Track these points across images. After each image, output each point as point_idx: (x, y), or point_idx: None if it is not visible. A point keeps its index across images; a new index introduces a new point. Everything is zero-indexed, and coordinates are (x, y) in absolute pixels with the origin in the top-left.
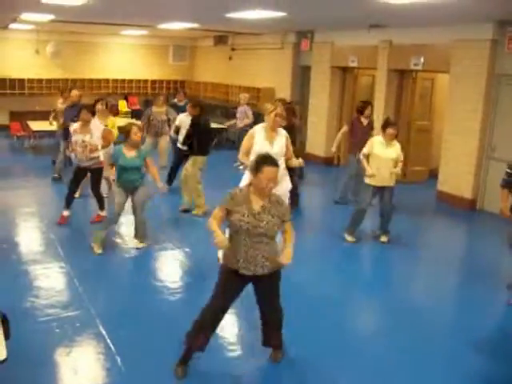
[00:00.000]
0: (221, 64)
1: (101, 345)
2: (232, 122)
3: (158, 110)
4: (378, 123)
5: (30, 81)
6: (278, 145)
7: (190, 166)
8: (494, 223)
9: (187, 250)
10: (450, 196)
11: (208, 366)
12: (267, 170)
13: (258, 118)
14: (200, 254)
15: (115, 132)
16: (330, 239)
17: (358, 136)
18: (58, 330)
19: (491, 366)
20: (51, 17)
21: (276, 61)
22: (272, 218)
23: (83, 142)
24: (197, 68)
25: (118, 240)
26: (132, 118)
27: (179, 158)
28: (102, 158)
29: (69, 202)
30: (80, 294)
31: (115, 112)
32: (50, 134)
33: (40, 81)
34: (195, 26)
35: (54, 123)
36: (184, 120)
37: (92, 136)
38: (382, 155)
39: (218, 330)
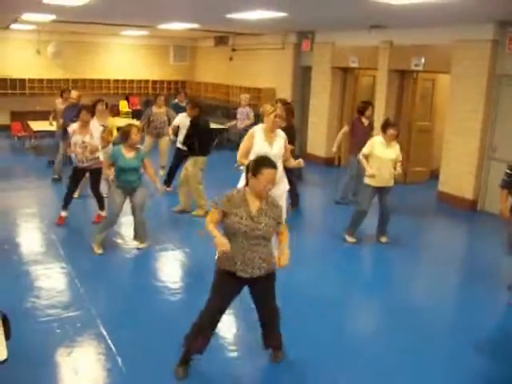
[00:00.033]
0: (221, 64)
1: (101, 345)
2: (233, 122)
3: (159, 111)
4: (378, 124)
5: (31, 81)
6: (278, 146)
7: (191, 167)
8: (494, 224)
9: (188, 250)
10: (451, 196)
11: (208, 366)
12: (266, 172)
13: (258, 119)
14: (200, 255)
15: (114, 132)
16: (331, 240)
17: (359, 136)
18: (58, 331)
19: (491, 366)
20: (52, 17)
21: (277, 61)
22: (269, 221)
23: (83, 142)
24: (197, 68)
25: (119, 240)
26: (133, 118)
27: (178, 159)
28: (101, 159)
29: (67, 202)
30: (81, 294)
31: (116, 112)
32: (51, 134)
33: (41, 81)
34: (196, 26)
35: (54, 123)
36: (183, 120)
37: (92, 137)
38: (383, 156)
39: (219, 331)
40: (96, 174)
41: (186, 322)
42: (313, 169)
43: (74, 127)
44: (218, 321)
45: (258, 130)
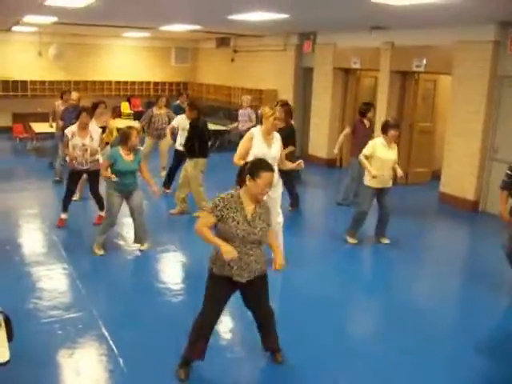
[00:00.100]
0: (223, 66)
1: (103, 346)
2: (234, 124)
3: (160, 112)
4: (379, 125)
5: (33, 83)
6: (276, 148)
7: (192, 169)
8: (496, 225)
9: (189, 251)
10: (453, 197)
11: (208, 367)
12: (265, 175)
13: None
14: (201, 256)
15: (114, 133)
16: (332, 241)
17: (360, 138)
18: (60, 332)
19: (492, 367)
20: (54, 19)
21: (278, 63)
22: (263, 224)
23: (83, 145)
24: (199, 70)
25: (121, 242)
26: (134, 120)
27: (178, 160)
28: (101, 161)
29: (66, 204)
30: (82, 295)
31: (117, 114)
32: (52, 136)
33: (43, 83)
34: (197, 28)
35: (54, 125)
36: (182, 122)
37: (92, 139)
38: (384, 157)
39: (219, 331)
40: (94, 175)
41: (187, 324)
42: (314, 170)
43: (73, 129)
44: (214, 326)
45: (257, 132)
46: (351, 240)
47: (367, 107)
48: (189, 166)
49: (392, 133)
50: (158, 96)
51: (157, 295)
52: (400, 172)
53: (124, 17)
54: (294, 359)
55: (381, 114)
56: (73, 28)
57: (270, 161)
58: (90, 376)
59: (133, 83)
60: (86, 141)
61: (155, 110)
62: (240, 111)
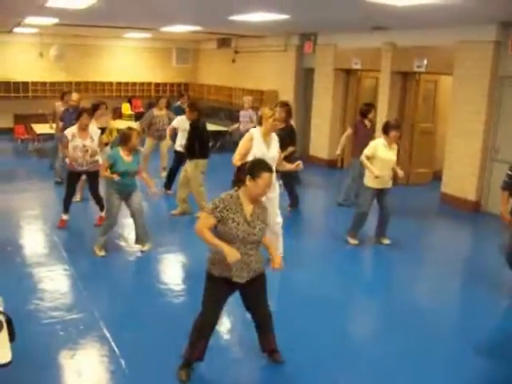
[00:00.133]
0: (224, 67)
1: (105, 347)
2: (235, 126)
3: (160, 113)
4: (380, 125)
5: (34, 84)
6: (275, 149)
7: (192, 169)
8: (497, 225)
9: (190, 252)
10: (454, 198)
11: (209, 367)
12: (265, 176)
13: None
14: (203, 257)
15: (114, 134)
16: (333, 241)
17: (361, 139)
18: (62, 333)
19: (493, 368)
20: (55, 20)
21: (279, 63)
22: (262, 224)
23: (84, 146)
24: (200, 71)
25: (122, 243)
26: (136, 121)
27: (178, 161)
28: (100, 162)
29: (66, 205)
30: (84, 296)
31: (118, 115)
32: (53, 137)
33: (44, 84)
34: (198, 28)
35: (54, 126)
36: (182, 123)
37: (93, 140)
38: (386, 157)
39: (219, 331)
40: (93, 176)
41: (189, 324)
42: (315, 171)
43: (73, 131)
44: (215, 326)
45: (256, 133)
46: (352, 241)
47: (368, 108)
48: (189, 166)
49: (393, 133)
50: (159, 97)
51: (158, 296)
52: (401, 172)
53: (125, 18)
54: (294, 359)
55: (382, 115)
56: (74, 29)
57: (268, 161)
58: (91, 377)
59: (134, 84)
60: (86, 142)
61: (156, 112)
62: (241, 112)
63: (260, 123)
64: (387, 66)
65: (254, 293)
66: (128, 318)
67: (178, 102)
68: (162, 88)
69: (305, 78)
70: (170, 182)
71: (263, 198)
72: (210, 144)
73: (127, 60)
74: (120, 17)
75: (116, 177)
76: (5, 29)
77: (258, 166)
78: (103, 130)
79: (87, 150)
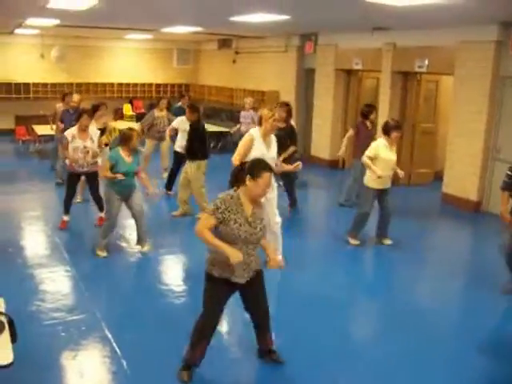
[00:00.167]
0: (225, 67)
1: (106, 348)
2: (236, 127)
3: (161, 114)
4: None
5: (35, 85)
6: (274, 149)
7: (194, 171)
8: (499, 225)
9: (191, 253)
10: (455, 198)
11: (209, 367)
12: (266, 176)
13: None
14: (204, 258)
15: (114, 135)
16: (334, 242)
17: (362, 139)
18: (63, 334)
19: (495, 368)
20: (56, 21)
21: (280, 64)
22: (261, 224)
23: (85, 147)
24: (201, 71)
25: (123, 244)
26: (137, 121)
27: (178, 162)
28: (100, 163)
29: (67, 206)
30: (85, 297)
31: (120, 116)
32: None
33: (45, 85)
34: (199, 29)
35: (54, 127)
36: (182, 124)
37: (93, 141)
38: (387, 158)
39: (219, 331)
40: (93, 177)
41: (190, 325)
42: (317, 171)
43: (73, 132)
44: (216, 327)
45: (256, 134)
46: (353, 241)
47: (369, 109)
48: (190, 167)
49: (394, 134)
50: (160, 98)
51: (159, 297)
52: (401, 172)
53: (126, 19)
54: (294, 359)
55: (383, 115)
56: (75, 30)
57: (268, 161)
58: (93, 378)
59: (135, 85)
60: (87, 143)
61: (156, 113)
62: (242, 113)
63: (260, 124)
64: (388, 66)
65: (253, 292)
66: (129, 318)
67: (179, 103)
68: (162, 89)
69: (306, 79)
70: (170, 182)
71: (262, 199)
72: (212, 145)
73: (128, 61)
74: (121, 18)
75: (120, 176)
76: (6, 30)
77: (259, 166)
78: (103, 130)
79: (88, 152)
